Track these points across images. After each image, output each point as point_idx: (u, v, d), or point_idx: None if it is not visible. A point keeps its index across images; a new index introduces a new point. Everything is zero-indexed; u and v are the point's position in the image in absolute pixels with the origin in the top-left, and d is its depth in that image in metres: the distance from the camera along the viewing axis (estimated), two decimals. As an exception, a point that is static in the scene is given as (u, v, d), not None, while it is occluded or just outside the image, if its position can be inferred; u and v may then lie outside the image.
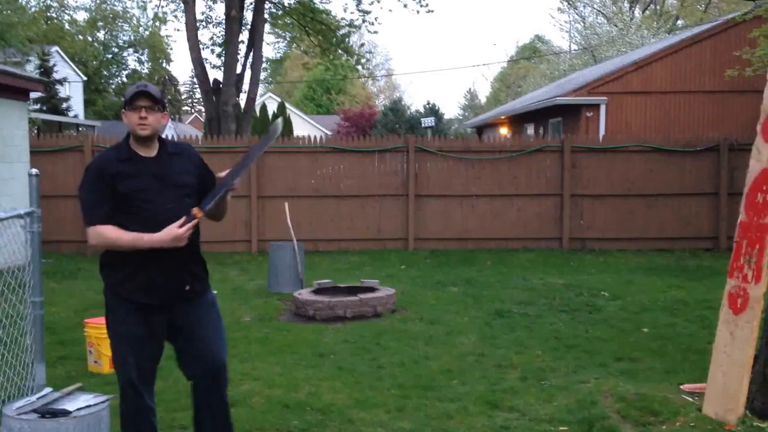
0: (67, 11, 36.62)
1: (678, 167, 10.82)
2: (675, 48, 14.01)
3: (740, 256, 3.60)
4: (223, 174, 2.84)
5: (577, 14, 31.10)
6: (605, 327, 5.87)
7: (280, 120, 3.23)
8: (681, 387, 4.05)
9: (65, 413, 2.89)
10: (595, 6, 29.94)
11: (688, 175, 10.82)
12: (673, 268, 9.28)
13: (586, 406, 3.79)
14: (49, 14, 34.74)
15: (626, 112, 13.76)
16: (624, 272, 8.85)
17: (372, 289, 6.71)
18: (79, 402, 3.03)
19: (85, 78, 33.26)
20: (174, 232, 2.69)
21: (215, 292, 3.17)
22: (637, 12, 32.04)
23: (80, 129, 22.97)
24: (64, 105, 26.06)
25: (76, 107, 29.21)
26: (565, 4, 32.08)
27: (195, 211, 2.75)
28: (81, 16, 41.55)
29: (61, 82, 26.73)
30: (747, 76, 11.57)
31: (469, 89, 64.98)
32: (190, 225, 2.72)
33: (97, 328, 4.76)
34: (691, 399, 3.82)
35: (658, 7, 33.77)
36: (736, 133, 11.17)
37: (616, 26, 27.13)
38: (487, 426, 3.66)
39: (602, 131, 13.36)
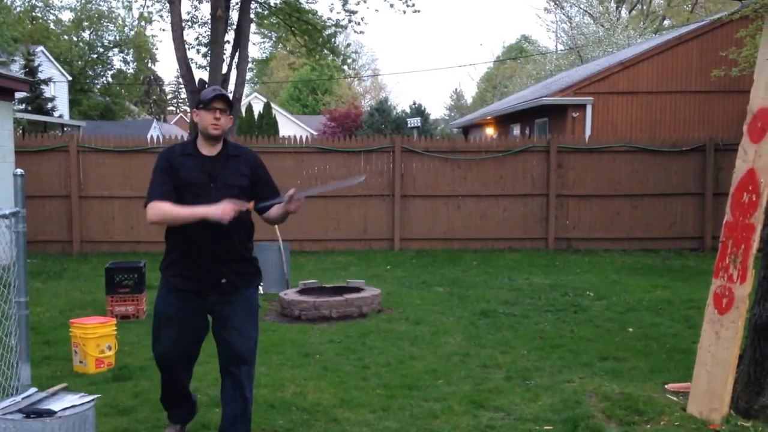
0: (52, 11, 36.26)
1: (664, 167, 10.89)
2: (661, 48, 14.11)
3: (726, 256, 3.61)
4: (291, 191, 3.11)
5: (563, 14, 31.28)
6: (590, 327, 5.88)
7: (363, 177, 3.67)
8: (666, 386, 4.06)
9: (50, 413, 2.87)
10: (582, 6, 30.11)
11: (674, 176, 10.90)
12: (658, 268, 9.34)
13: (570, 406, 3.79)
14: (34, 14, 34.37)
15: (612, 113, 13.84)
16: (609, 272, 8.89)
17: (358, 290, 6.68)
18: (64, 402, 3.01)
19: (70, 78, 32.91)
20: (224, 206, 2.88)
21: (262, 292, 3.22)
22: (624, 12, 32.29)
23: (65, 129, 22.70)
24: (50, 105, 25.76)
25: (62, 107, 28.90)
26: (552, 4, 32.26)
27: (250, 204, 3.02)
28: (66, 16, 41.24)
29: (46, 81, 26.41)
30: (733, 76, 11.68)
31: (456, 89, 65.24)
32: (238, 207, 2.92)
33: (82, 328, 4.72)
34: (675, 398, 3.82)
35: (644, 7, 34.07)
36: (722, 134, 11.29)
37: (602, 26, 27.31)
38: (472, 425, 3.64)
39: (588, 131, 13.43)
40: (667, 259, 10.06)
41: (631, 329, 5.78)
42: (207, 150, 3.12)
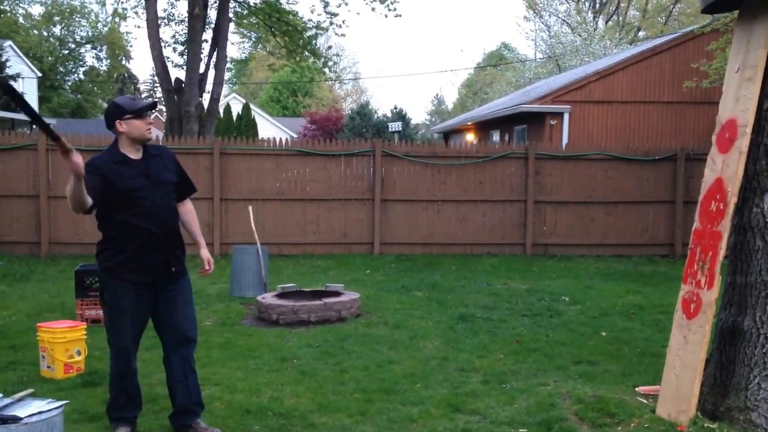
0: (21, 4, 35.57)
1: (637, 176, 11.11)
2: (636, 59, 14.41)
3: (694, 262, 3.71)
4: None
5: (542, 23, 31.69)
6: (565, 331, 5.98)
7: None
8: (636, 389, 4.15)
9: (16, 420, 2.81)
10: (560, 16, 30.56)
11: (646, 184, 11.12)
12: (630, 273, 9.52)
13: (545, 408, 3.85)
14: (2, 7, 33.66)
15: (588, 121, 14.08)
16: (584, 277, 9.04)
17: (337, 294, 6.69)
18: (30, 408, 2.95)
19: (40, 74, 32.29)
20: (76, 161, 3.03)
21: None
22: (601, 23, 32.84)
23: (34, 127, 22.27)
24: (18, 102, 25.22)
25: (30, 104, 28.36)
26: (531, 13, 32.69)
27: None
28: (36, 11, 40.45)
29: (14, 77, 25.89)
30: (704, 87, 11.99)
31: (437, 95, 65.52)
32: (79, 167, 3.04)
33: (50, 333, 4.64)
34: (645, 401, 3.91)
35: (620, 19, 34.68)
36: (693, 143, 11.56)
37: (580, 36, 27.74)
38: (448, 429, 3.69)
39: (565, 139, 13.64)
40: (639, 265, 10.26)
41: (604, 333, 5.90)
42: (134, 155, 3.38)
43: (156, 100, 3.54)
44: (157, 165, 3.42)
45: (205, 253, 3.67)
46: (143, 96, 53.76)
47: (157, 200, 3.34)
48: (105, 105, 42.12)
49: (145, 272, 3.37)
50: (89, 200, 3.17)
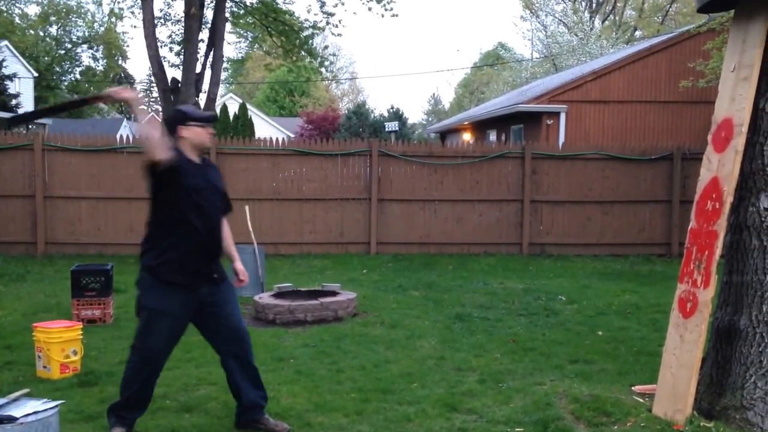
0: (17, 4, 35.47)
1: (633, 175, 11.13)
2: (632, 58, 14.43)
3: (690, 261, 3.71)
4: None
5: (539, 23, 31.72)
6: (562, 330, 5.98)
7: None
8: (633, 388, 4.16)
9: (11, 419, 2.81)
10: (557, 15, 30.60)
11: (642, 183, 11.14)
12: (627, 273, 9.53)
13: (541, 408, 3.85)
14: (-2, 7, 33.60)
15: (585, 121, 14.10)
16: (580, 277, 9.05)
17: (333, 293, 6.69)
18: (26, 408, 2.96)
19: (36, 74, 32.20)
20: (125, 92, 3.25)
21: None
22: (597, 22, 32.89)
23: (30, 127, 22.21)
24: (14, 102, 25.17)
25: (27, 104, 28.27)
26: (528, 12, 32.72)
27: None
28: (32, 10, 40.33)
29: (10, 77, 25.80)
30: (700, 87, 12.01)
31: (433, 94, 65.51)
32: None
33: (46, 333, 4.63)
34: (642, 400, 3.92)
35: (617, 18, 34.75)
36: (689, 143, 11.58)
37: (576, 36, 27.77)
38: (445, 428, 3.69)
39: (562, 139, 13.65)
40: (635, 265, 10.28)
41: (600, 333, 5.90)
42: (195, 159, 3.51)
43: (215, 113, 3.56)
44: (213, 173, 3.61)
45: (239, 265, 3.77)
46: (139, 96, 53.80)
47: (213, 204, 3.48)
48: (101, 105, 42.03)
49: (189, 275, 3.40)
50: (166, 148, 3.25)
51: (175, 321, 3.43)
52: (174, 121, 3.49)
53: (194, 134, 3.45)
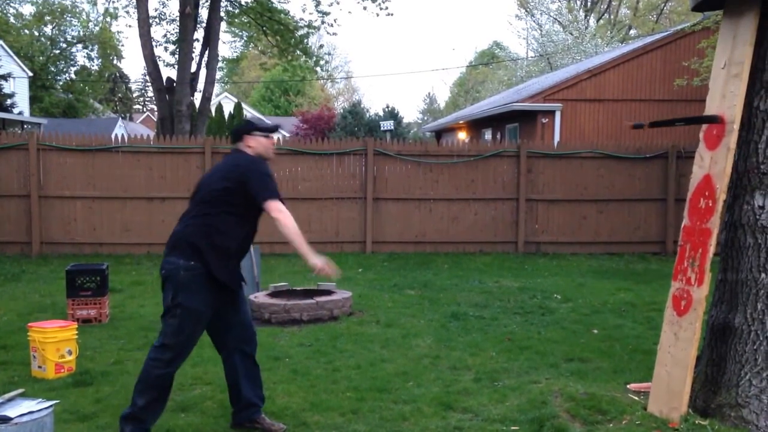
0: (12, 4, 35.30)
1: (628, 173, 11.15)
2: (627, 57, 14.46)
3: (684, 259, 3.72)
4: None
5: (534, 22, 31.76)
6: (557, 328, 5.99)
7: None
8: (628, 386, 4.16)
9: (6, 420, 2.80)
10: (552, 14, 30.64)
11: (637, 181, 11.16)
12: (622, 271, 9.56)
13: (537, 406, 3.86)
14: (-8, 7, 33.44)
15: (580, 119, 14.13)
16: (576, 275, 9.06)
17: (328, 293, 6.68)
18: (21, 408, 2.95)
19: (31, 74, 32.07)
20: (328, 265, 3.52)
21: None
22: (592, 21, 32.94)
23: (25, 126, 22.11)
24: (9, 101, 25.07)
25: (22, 104, 28.15)
26: (523, 11, 32.76)
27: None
28: (27, 10, 40.16)
29: (5, 77, 25.69)
30: (695, 85, 12.04)
31: (429, 93, 65.46)
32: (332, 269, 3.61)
33: (41, 332, 4.61)
34: (637, 398, 3.92)
35: (611, 17, 34.83)
36: (684, 141, 11.61)
37: (571, 34, 27.82)
38: (440, 427, 3.69)
39: (557, 137, 13.67)
40: (630, 263, 10.30)
41: (595, 331, 5.91)
42: None
43: (278, 124, 4.03)
44: None
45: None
46: (134, 95, 53.61)
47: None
48: (96, 105, 41.91)
49: (236, 276, 3.56)
50: None
51: (206, 321, 3.48)
52: (242, 130, 3.65)
53: (259, 144, 3.61)
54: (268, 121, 39.71)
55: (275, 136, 3.71)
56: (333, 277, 3.52)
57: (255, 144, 3.59)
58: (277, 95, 44.73)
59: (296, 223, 3.52)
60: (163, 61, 16.28)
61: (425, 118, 49.46)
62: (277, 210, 3.45)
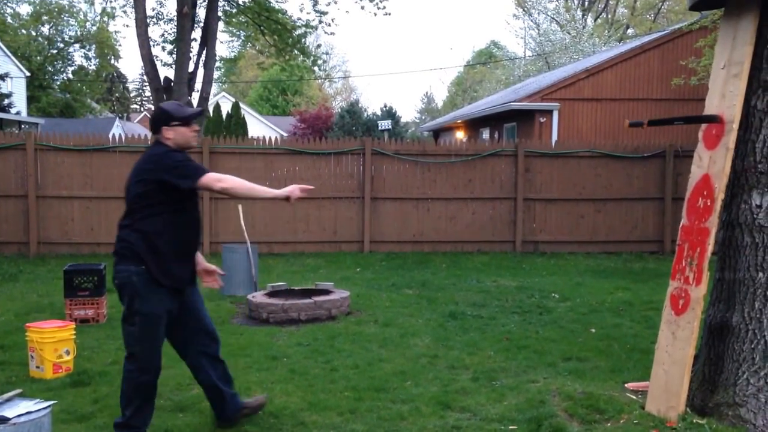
0: (9, 4, 35.23)
1: (626, 173, 11.16)
2: (624, 56, 14.48)
3: (682, 258, 3.72)
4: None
5: (531, 21, 31.79)
6: (555, 328, 6.00)
7: None
8: (626, 385, 4.17)
9: (4, 420, 2.80)
10: (549, 13, 30.67)
11: (635, 181, 11.18)
12: (620, 270, 9.57)
13: (535, 405, 3.86)
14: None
15: (578, 118, 14.14)
16: (574, 274, 9.07)
17: (327, 292, 6.68)
18: (19, 408, 2.94)
19: (28, 74, 32.01)
20: (292, 187, 3.30)
21: None
22: (590, 20, 32.98)
23: (23, 126, 22.07)
24: (6, 101, 25.00)
25: (19, 104, 28.08)
26: (520, 11, 32.78)
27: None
28: (24, 10, 40.08)
29: (2, 77, 25.63)
30: (692, 84, 12.07)
31: (426, 93, 65.54)
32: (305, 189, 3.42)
33: (39, 333, 4.61)
34: (635, 397, 3.93)
35: (609, 16, 34.86)
36: (681, 140, 11.63)
37: (569, 34, 27.84)
38: (438, 426, 3.69)
39: (555, 136, 13.69)
40: (628, 262, 10.31)
41: (593, 330, 5.92)
42: None
43: (202, 108, 3.47)
44: None
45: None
46: (131, 95, 53.49)
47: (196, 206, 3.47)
48: (94, 105, 41.82)
49: (183, 276, 3.37)
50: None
51: (165, 323, 3.36)
52: (157, 121, 3.37)
53: (178, 134, 3.34)
54: (264, 120, 39.34)
55: (196, 124, 3.48)
56: (305, 193, 3.35)
57: (173, 135, 3.33)
58: (274, 95, 44.69)
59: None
60: (161, 61, 16.24)
61: (423, 117, 49.47)
62: (216, 180, 3.24)
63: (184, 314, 3.43)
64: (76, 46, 38.47)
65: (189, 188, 3.24)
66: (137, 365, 3.30)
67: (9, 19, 34.99)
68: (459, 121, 19.95)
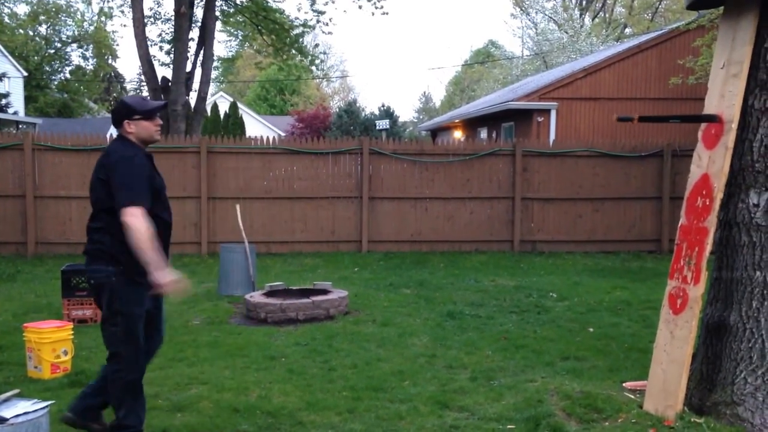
0: (6, 4, 35.15)
1: (624, 172, 11.17)
2: (622, 56, 14.49)
3: (680, 258, 3.73)
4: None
5: (529, 20, 31.82)
6: (553, 327, 6.00)
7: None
8: (623, 384, 4.17)
9: (2, 420, 2.81)
10: (547, 13, 30.69)
11: (633, 180, 11.19)
12: (618, 269, 9.58)
13: (533, 405, 3.86)
14: (-14, 8, 33.31)
15: (575, 118, 14.15)
16: (572, 274, 9.08)
17: (325, 292, 6.68)
18: (16, 408, 2.95)
19: (25, 73, 31.96)
20: (176, 283, 3.13)
21: None
22: (587, 19, 33.02)
23: (20, 126, 22.02)
24: (3, 101, 24.94)
25: (16, 104, 28.01)
26: (518, 10, 32.80)
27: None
28: (21, 10, 40.03)
29: (0, 77, 25.58)
30: (690, 84, 12.08)
31: (424, 92, 65.58)
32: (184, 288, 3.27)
33: (37, 333, 4.60)
34: (632, 396, 3.93)
35: (607, 15, 34.89)
36: (679, 140, 11.64)
37: (566, 33, 27.86)
38: (437, 426, 3.68)
39: (552, 136, 13.69)
40: (626, 261, 10.33)
41: (591, 329, 5.92)
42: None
43: (166, 101, 3.39)
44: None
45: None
46: (129, 94, 53.42)
47: (166, 198, 3.37)
48: (92, 104, 41.71)
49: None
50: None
51: (143, 322, 3.28)
52: (119, 115, 3.27)
53: (141, 129, 3.25)
54: (262, 120, 39.23)
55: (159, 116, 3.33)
56: (181, 296, 3.14)
57: (135, 129, 3.23)
58: (272, 94, 44.65)
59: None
60: (159, 61, 16.21)
61: (421, 117, 49.47)
62: (129, 214, 3.05)
63: (154, 314, 3.36)
64: (74, 45, 38.40)
65: (116, 202, 3.11)
66: (122, 365, 3.24)
67: (6, 19, 34.92)
68: (457, 121, 19.96)
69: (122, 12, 16.18)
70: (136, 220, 3.05)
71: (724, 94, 3.65)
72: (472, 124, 18.80)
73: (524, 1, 31.35)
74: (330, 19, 16.78)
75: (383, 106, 27.52)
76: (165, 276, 3.07)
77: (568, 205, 11.11)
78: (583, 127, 14.03)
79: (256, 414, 3.85)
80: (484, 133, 17.72)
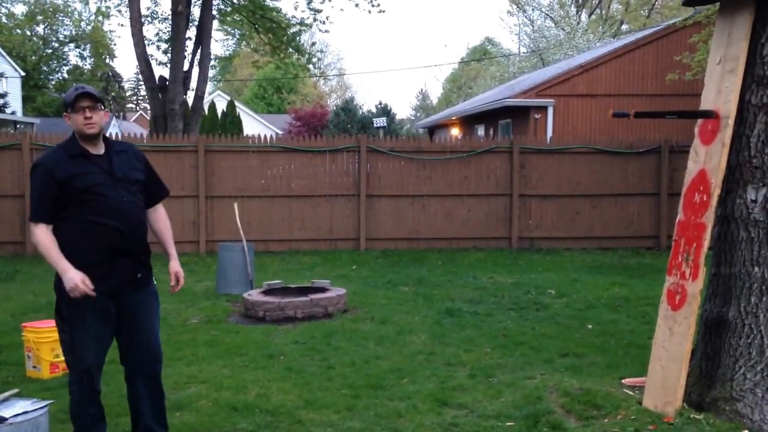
0: (4, 4, 35.06)
1: (621, 168, 11.18)
2: (619, 52, 14.49)
3: (678, 254, 3.73)
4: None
5: (525, 17, 31.80)
6: (551, 324, 6.00)
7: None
8: (622, 381, 4.17)
9: (1, 420, 2.80)
10: (543, 10, 30.69)
11: (630, 176, 11.19)
12: (616, 266, 9.58)
13: (532, 402, 3.86)
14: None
15: (573, 114, 14.15)
16: (570, 270, 9.08)
17: (323, 290, 6.67)
18: (15, 408, 2.95)
19: (23, 73, 31.90)
20: (76, 281, 2.90)
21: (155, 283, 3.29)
22: (584, 16, 33.01)
23: (18, 126, 21.96)
24: (1, 101, 24.88)
25: (14, 104, 27.94)
26: (514, 7, 32.77)
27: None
28: (19, 10, 39.95)
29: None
30: (687, 80, 12.08)
31: (421, 90, 65.49)
32: (87, 288, 2.93)
33: (35, 332, 4.60)
34: (632, 392, 3.93)
35: (603, 12, 34.88)
36: (677, 136, 11.65)
37: (563, 30, 27.86)
38: (436, 423, 3.68)
39: (550, 132, 13.70)
40: (624, 258, 10.33)
41: (590, 326, 5.93)
42: (93, 149, 3.07)
43: (85, 88, 3.06)
44: (121, 162, 3.10)
45: (174, 265, 3.25)
46: (127, 94, 53.32)
47: (121, 197, 3.02)
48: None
49: (110, 279, 3.01)
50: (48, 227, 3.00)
51: (98, 332, 3.03)
52: (63, 109, 3.13)
53: (73, 123, 3.02)
54: (260, 118, 39.13)
55: (85, 105, 3.00)
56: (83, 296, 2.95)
57: (70, 123, 3.03)
58: (269, 93, 44.60)
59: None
60: (156, 60, 16.19)
61: (418, 114, 49.45)
62: (30, 230, 3.04)
63: (130, 324, 3.12)
64: (71, 45, 38.35)
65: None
66: (72, 377, 3.06)
67: (4, 19, 34.84)
68: (454, 118, 19.95)
69: (119, 11, 16.20)
70: (34, 237, 3.03)
71: (721, 90, 3.64)
72: (469, 121, 18.79)
73: (521, -2, 31.32)
74: (327, 18, 16.77)
75: (380, 104, 27.51)
76: (68, 280, 2.91)
77: (566, 201, 11.11)
78: (580, 123, 14.03)
79: (255, 412, 3.84)
80: (481, 131, 17.71)
